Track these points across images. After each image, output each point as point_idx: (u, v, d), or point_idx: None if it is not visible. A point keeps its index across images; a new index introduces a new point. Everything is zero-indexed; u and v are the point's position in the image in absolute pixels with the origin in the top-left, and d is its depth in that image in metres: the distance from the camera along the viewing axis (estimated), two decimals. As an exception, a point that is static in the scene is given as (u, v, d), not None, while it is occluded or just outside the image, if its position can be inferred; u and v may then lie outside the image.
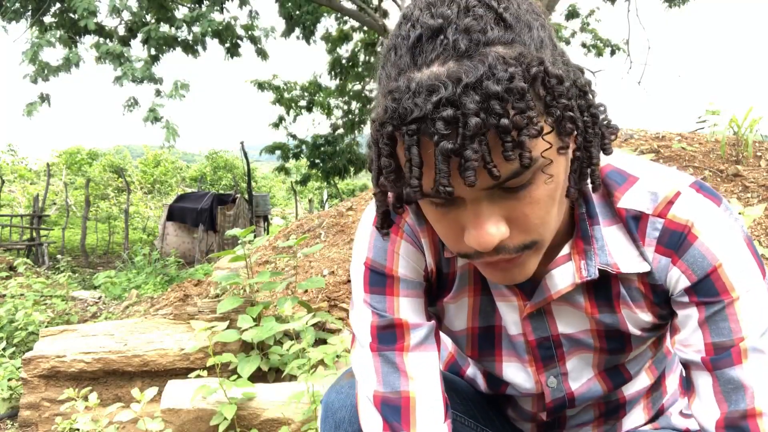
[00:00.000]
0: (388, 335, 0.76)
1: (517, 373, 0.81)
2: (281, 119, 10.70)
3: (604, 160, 0.70)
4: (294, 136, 11.14)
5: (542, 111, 0.55)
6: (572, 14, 8.90)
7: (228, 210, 10.50)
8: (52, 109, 5.89)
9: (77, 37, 6.03)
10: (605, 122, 0.64)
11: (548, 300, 0.73)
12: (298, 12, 7.54)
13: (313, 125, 11.48)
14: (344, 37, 9.61)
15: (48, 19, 6.27)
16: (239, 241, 2.36)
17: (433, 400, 0.75)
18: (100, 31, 6.13)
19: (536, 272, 0.69)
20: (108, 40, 5.97)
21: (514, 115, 0.51)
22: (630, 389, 0.85)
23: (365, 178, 14.83)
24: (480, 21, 0.54)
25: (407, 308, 0.76)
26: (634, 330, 0.74)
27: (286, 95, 10.54)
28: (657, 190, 0.67)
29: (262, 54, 7.13)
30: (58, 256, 9.01)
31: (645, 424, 0.88)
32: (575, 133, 0.59)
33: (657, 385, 0.88)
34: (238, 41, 6.67)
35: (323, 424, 0.82)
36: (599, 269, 0.69)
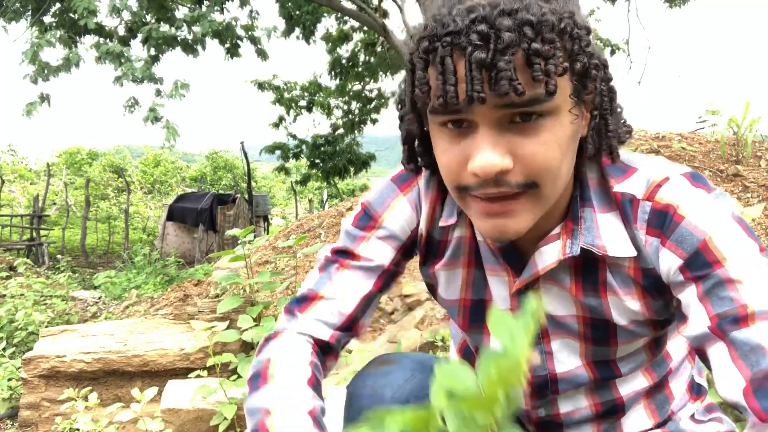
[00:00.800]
0: (341, 256, 0.83)
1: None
2: (281, 119, 10.69)
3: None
4: (294, 136, 11.14)
5: (566, 58, 0.59)
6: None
7: (228, 210, 10.50)
8: (52, 109, 5.89)
9: (77, 37, 6.02)
10: (621, 116, 0.69)
11: (535, 276, 0.74)
12: (298, 12, 7.54)
13: (313, 125, 11.48)
14: (344, 37, 9.60)
15: (48, 19, 6.27)
16: (239, 241, 2.36)
17: (341, 303, 0.81)
18: (100, 31, 6.12)
19: (528, 250, 0.74)
20: (108, 40, 5.97)
21: (544, 44, 0.56)
22: (626, 389, 0.83)
23: (365, 178, 14.84)
24: None
25: (370, 247, 0.82)
26: (619, 319, 0.74)
27: (286, 95, 10.53)
28: (650, 176, 0.69)
29: (262, 54, 7.13)
30: (58, 256, 9.01)
31: (652, 428, 0.85)
32: (593, 95, 0.64)
33: (659, 389, 0.85)
34: (238, 41, 6.67)
35: (347, 411, 0.84)
36: (583, 248, 0.71)
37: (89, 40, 6.26)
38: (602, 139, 0.68)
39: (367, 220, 0.84)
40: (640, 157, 0.74)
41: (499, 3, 0.57)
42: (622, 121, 0.70)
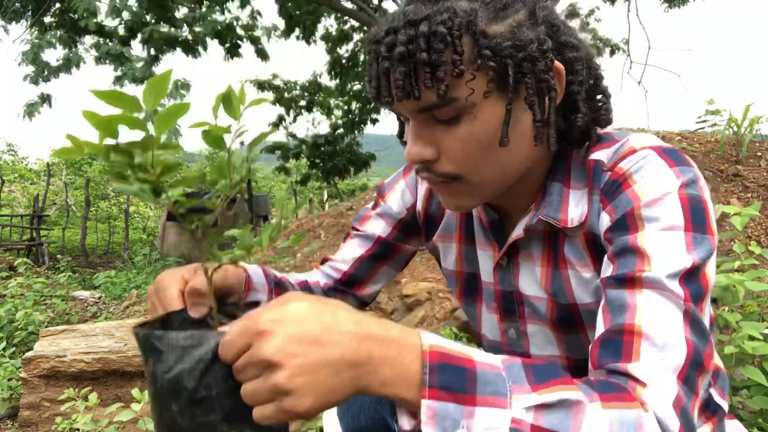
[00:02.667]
0: (352, 230, 1.01)
1: (486, 318, 0.89)
2: (281, 119, 10.69)
3: (607, 129, 0.75)
4: (294, 136, 11.13)
5: (472, 59, 0.64)
6: (572, 14, 8.89)
7: (228, 210, 10.51)
8: (52, 108, 5.89)
9: (77, 38, 6.02)
10: (601, 107, 0.72)
11: (508, 245, 0.80)
12: (298, 12, 7.54)
13: (313, 125, 11.48)
14: (344, 37, 9.60)
15: (48, 19, 6.27)
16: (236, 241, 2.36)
17: (341, 263, 0.99)
18: (100, 31, 6.12)
19: (513, 225, 0.81)
20: (108, 41, 5.97)
21: (432, 54, 0.62)
22: None
23: (365, 177, 14.84)
24: None
25: (369, 222, 0.98)
26: (582, 296, 0.75)
27: (286, 95, 10.53)
28: (621, 147, 0.71)
29: (262, 54, 7.13)
30: (58, 256, 9.01)
31: None
32: (530, 86, 0.66)
33: None
34: (239, 41, 6.67)
35: None
36: (543, 220, 0.75)
37: (89, 40, 6.26)
38: (570, 122, 0.71)
39: (375, 200, 1.00)
40: (632, 132, 0.75)
41: (410, 14, 0.64)
42: (601, 104, 0.73)
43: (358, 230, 0.99)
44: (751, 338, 1.29)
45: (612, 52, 8.97)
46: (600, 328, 0.63)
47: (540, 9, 0.69)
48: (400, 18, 0.65)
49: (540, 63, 0.66)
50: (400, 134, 0.82)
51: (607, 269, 0.66)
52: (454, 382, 0.50)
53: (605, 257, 0.68)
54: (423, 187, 0.94)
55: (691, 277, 0.61)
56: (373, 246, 0.98)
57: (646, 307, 0.60)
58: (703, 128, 3.45)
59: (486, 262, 0.86)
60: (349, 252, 0.99)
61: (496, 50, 0.64)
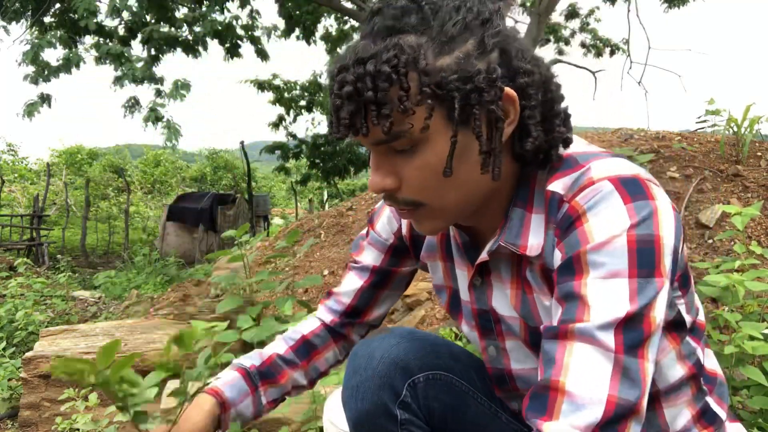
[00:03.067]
0: (350, 261, 1.07)
1: (469, 334, 0.92)
2: (281, 119, 10.69)
3: (572, 149, 0.75)
4: (294, 136, 11.13)
5: (417, 95, 0.66)
6: (572, 14, 8.90)
7: (228, 210, 10.50)
8: (51, 109, 5.88)
9: (77, 38, 6.01)
10: (557, 130, 0.72)
11: (477, 267, 0.83)
12: (298, 12, 7.53)
13: (313, 125, 11.47)
14: (344, 37, 9.60)
15: (48, 19, 6.26)
16: (235, 242, 2.36)
17: (344, 296, 1.04)
18: (101, 31, 6.11)
19: (484, 246, 0.82)
20: (108, 41, 5.96)
21: (378, 92, 0.64)
22: None
23: (365, 177, 14.83)
24: (401, 11, 0.67)
25: (364, 252, 1.04)
26: (546, 321, 0.76)
27: (286, 95, 10.53)
28: (580, 178, 0.70)
29: (262, 54, 7.12)
30: (58, 256, 9.01)
31: None
32: (474, 122, 0.68)
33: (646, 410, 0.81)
34: (239, 42, 6.66)
35: (346, 369, 0.94)
36: (503, 245, 0.77)
37: (89, 40, 6.25)
38: (524, 145, 0.71)
39: (366, 228, 1.05)
40: (596, 153, 0.74)
41: (359, 51, 0.66)
42: (557, 125, 0.73)
43: (355, 261, 1.05)
44: (751, 338, 1.29)
45: (612, 52, 8.97)
46: (536, 378, 0.67)
47: (489, 37, 0.68)
48: (351, 55, 0.67)
49: (487, 93, 0.67)
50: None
51: (555, 312, 0.68)
52: None
53: (553, 298, 0.69)
54: None
55: (630, 324, 0.62)
56: (371, 276, 1.03)
57: (572, 362, 0.62)
58: (703, 128, 3.45)
59: (462, 280, 0.89)
60: (350, 284, 1.04)
61: (441, 84, 0.66)
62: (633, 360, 0.62)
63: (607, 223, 0.65)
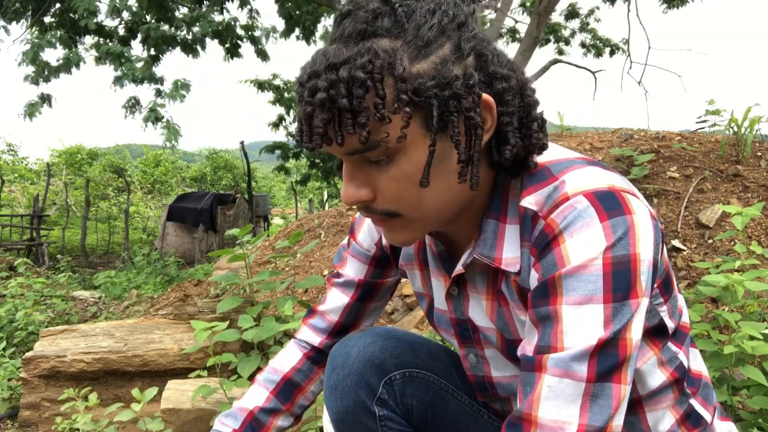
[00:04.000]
0: (333, 275, 1.04)
1: (451, 341, 0.91)
2: (281, 119, 10.69)
3: (542, 157, 0.74)
4: (293, 136, 11.10)
5: (394, 102, 0.63)
6: (572, 14, 8.90)
7: (228, 210, 10.50)
8: (52, 109, 5.88)
9: (77, 38, 6.01)
10: (533, 136, 0.70)
11: (453, 278, 0.82)
12: (298, 12, 7.53)
13: (313, 125, 11.45)
14: (344, 37, 9.59)
15: (48, 19, 6.26)
16: (237, 241, 2.36)
17: (330, 314, 1.02)
18: (100, 31, 6.11)
19: (460, 256, 0.81)
20: (108, 41, 5.96)
21: (353, 99, 0.61)
22: None
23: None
24: (373, 13, 0.64)
25: (347, 265, 1.01)
26: (523, 334, 0.76)
27: (286, 95, 10.53)
28: (554, 193, 0.68)
29: (262, 54, 7.12)
30: (58, 256, 9.01)
31: None
32: (452, 129, 0.66)
33: (627, 415, 0.79)
34: (239, 41, 6.66)
35: (326, 369, 0.95)
36: (477, 258, 0.76)
37: (89, 40, 6.25)
38: (503, 153, 0.69)
39: (348, 238, 1.03)
40: (570, 162, 0.72)
41: (331, 57, 0.62)
42: (534, 131, 0.70)
43: (338, 275, 1.02)
44: (751, 338, 1.29)
45: (612, 52, 8.96)
46: (516, 386, 0.69)
47: (466, 41, 0.66)
48: (322, 61, 0.63)
49: (466, 100, 0.65)
50: (339, 166, 0.80)
51: (531, 336, 0.68)
52: None
53: (529, 315, 0.69)
54: None
55: (604, 350, 0.63)
56: (356, 291, 1.01)
57: (543, 394, 0.63)
58: (703, 128, 3.45)
59: (439, 290, 0.88)
60: (335, 301, 1.02)
61: (419, 91, 0.63)
62: (605, 385, 0.63)
63: (583, 244, 0.64)
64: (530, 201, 0.71)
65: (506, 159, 0.69)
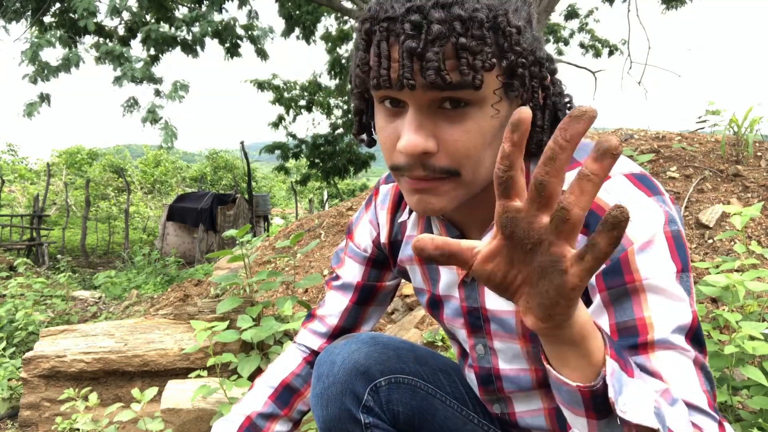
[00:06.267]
0: (331, 278, 1.05)
1: (457, 332, 0.91)
2: (281, 119, 10.69)
3: None
4: (294, 136, 11.12)
5: (496, 54, 0.63)
6: (571, 14, 8.90)
7: (228, 210, 10.50)
8: (52, 109, 5.88)
9: (77, 37, 6.01)
10: (566, 107, 0.72)
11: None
12: (297, 12, 7.54)
13: (313, 125, 11.47)
14: (344, 37, 9.60)
15: (48, 19, 6.26)
16: (237, 241, 2.36)
17: (329, 318, 1.02)
18: (100, 31, 6.11)
19: (476, 240, 0.80)
20: (108, 40, 5.96)
21: (471, 39, 0.60)
22: None
23: (365, 177, 14.83)
24: None
25: (344, 267, 1.02)
26: None
27: (285, 95, 10.53)
28: None
29: (262, 54, 7.12)
30: (58, 256, 9.01)
31: None
32: (522, 90, 0.66)
33: None
34: (238, 41, 6.66)
35: (312, 377, 0.95)
36: None
37: (89, 40, 6.25)
38: (533, 134, 0.71)
39: (345, 239, 1.03)
40: (585, 145, 0.74)
41: None
42: (562, 116, 0.72)
43: (336, 277, 1.02)
44: (751, 338, 1.29)
45: (611, 53, 8.97)
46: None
47: (533, 17, 0.69)
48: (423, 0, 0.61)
49: (544, 69, 0.68)
50: (359, 130, 0.78)
51: (603, 314, 0.66)
52: (620, 354, 0.54)
53: (597, 299, 0.67)
54: (383, 213, 0.96)
55: (692, 330, 0.63)
56: (355, 293, 1.01)
57: (669, 374, 0.61)
58: (703, 128, 3.45)
59: (450, 278, 0.87)
60: (334, 304, 1.02)
61: (514, 48, 0.64)
62: (702, 356, 0.63)
63: (645, 221, 0.65)
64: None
65: (540, 140, 0.71)
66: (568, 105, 0.74)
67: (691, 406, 0.59)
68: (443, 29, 0.59)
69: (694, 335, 0.63)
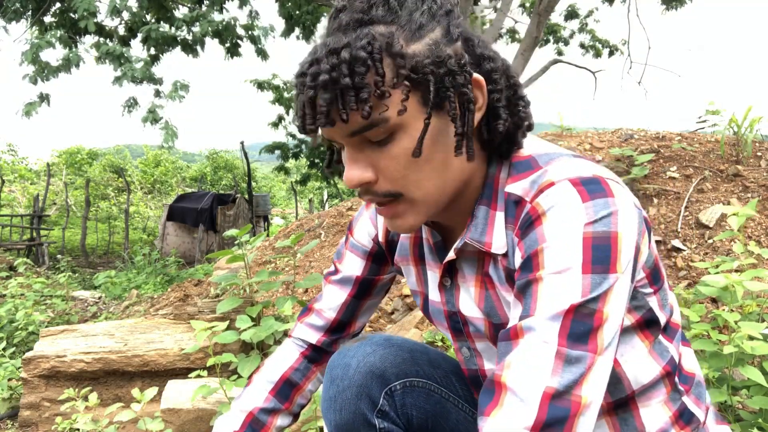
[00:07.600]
0: (330, 272, 1.05)
1: (446, 334, 0.91)
2: (281, 119, 10.69)
3: (528, 149, 0.77)
4: (293, 136, 11.13)
5: (393, 79, 0.67)
6: (571, 15, 8.90)
7: (228, 210, 10.50)
8: (52, 109, 5.88)
9: (77, 38, 6.01)
10: (521, 113, 0.75)
11: (444, 266, 0.84)
12: (297, 12, 7.53)
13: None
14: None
15: (48, 19, 6.26)
16: (236, 242, 2.36)
17: (327, 311, 1.02)
18: (100, 31, 6.11)
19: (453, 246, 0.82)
20: (108, 40, 5.96)
21: (355, 77, 0.65)
22: None
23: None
24: (368, 3, 0.70)
25: (345, 260, 1.02)
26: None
27: (285, 95, 10.53)
28: (539, 180, 0.72)
29: (262, 54, 7.12)
30: (58, 256, 9.01)
31: None
32: (446, 103, 0.70)
33: (621, 411, 0.80)
34: (238, 41, 6.66)
35: (324, 380, 0.94)
36: (468, 243, 0.78)
37: (89, 40, 6.25)
38: (496, 128, 0.74)
39: (347, 235, 1.04)
40: (556, 154, 0.75)
41: (330, 44, 0.67)
42: (520, 110, 0.75)
43: (335, 271, 1.03)
44: (751, 338, 1.29)
45: (611, 53, 8.97)
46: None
47: (454, 26, 0.72)
48: (322, 48, 0.68)
49: (459, 77, 0.70)
50: (328, 164, 0.84)
51: (514, 312, 0.69)
52: None
53: (512, 298, 0.70)
54: (381, 218, 0.97)
55: (578, 315, 0.63)
56: (354, 287, 1.01)
57: (516, 359, 0.63)
58: (703, 128, 3.45)
59: (433, 281, 0.89)
60: (332, 298, 1.02)
61: (416, 68, 0.68)
62: (579, 353, 0.62)
63: (563, 221, 0.66)
64: (515, 187, 0.74)
65: (499, 133, 0.74)
66: (515, 96, 0.76)
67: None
68: (329, 77, 0.65)
69: (577, 325, 0.63)
